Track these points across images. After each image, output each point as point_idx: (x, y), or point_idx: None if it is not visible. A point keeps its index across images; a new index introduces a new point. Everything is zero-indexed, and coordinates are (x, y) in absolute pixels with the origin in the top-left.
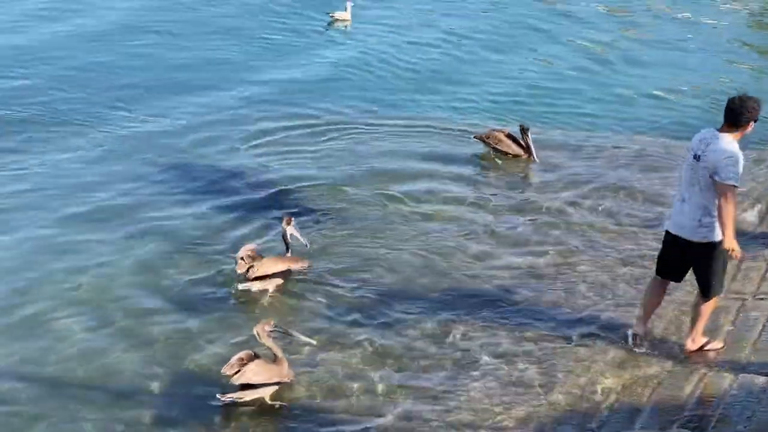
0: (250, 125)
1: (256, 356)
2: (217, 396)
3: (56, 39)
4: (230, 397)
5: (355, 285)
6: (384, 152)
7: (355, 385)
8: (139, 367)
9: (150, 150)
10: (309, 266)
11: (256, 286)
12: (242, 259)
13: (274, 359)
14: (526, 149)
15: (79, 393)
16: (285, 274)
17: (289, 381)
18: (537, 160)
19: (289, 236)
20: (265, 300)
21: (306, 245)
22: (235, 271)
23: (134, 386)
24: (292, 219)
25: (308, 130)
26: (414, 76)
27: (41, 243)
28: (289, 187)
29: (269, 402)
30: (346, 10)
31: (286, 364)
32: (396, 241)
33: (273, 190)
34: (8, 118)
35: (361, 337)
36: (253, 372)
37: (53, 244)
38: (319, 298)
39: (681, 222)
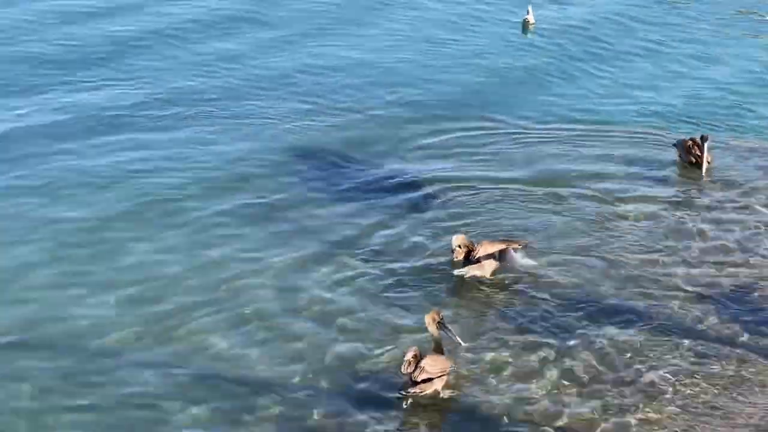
0: (422, 128)
1: (420, 351)
2: (402, 393)
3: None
4: (413, 391)
5: (535, 289)
6: (571, 155)
7: (519, 389)
8: (289, 363)
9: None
10: (525, 245)
11: (473, 272)
12: (459, 247)
13: (433, 347)
14: (698, 159)
15: (232, 389)
16: (500, 258)
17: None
18: (704, 172)
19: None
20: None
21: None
22: (452, 260)
23: (286, 380)
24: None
25: (488, 133)
26: (603, 75)
27: (192, 239)
28: (470, 189)
29: (440, 391)
30: (528, 12)
31: (444, 354)
32: (580, 247)
33: (449, 192)
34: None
35: (541, 348)
36: (430, 366)
37: (205, 239)
38: (497, 299)
39: None
